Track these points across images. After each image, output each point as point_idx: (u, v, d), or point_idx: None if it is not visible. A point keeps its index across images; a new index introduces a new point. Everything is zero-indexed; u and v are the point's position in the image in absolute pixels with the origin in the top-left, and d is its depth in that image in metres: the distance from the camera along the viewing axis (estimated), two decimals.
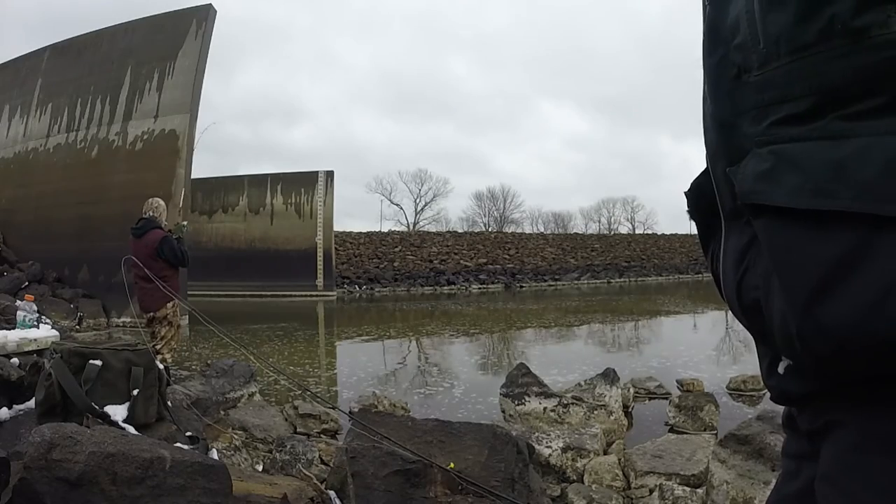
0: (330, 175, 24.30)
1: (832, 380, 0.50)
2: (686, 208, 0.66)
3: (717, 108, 0.58)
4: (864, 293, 0.43)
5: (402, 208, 52.68)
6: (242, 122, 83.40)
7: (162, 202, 4.87)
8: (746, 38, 0.53)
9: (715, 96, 0.58)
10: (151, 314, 4.57)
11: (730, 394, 5.82)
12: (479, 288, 28.36)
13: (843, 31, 0.45)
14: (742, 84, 0.54)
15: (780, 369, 0.54)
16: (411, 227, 47.59)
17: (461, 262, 30.69)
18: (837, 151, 0.46)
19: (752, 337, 0.59)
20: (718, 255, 0.60)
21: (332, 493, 2.24)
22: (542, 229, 51.74)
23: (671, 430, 4.50)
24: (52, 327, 3.61)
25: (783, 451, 0.67)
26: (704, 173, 0.62)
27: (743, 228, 0.55)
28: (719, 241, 0.60)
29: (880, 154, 0.44)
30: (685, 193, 0.65)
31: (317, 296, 22.56)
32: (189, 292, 6.10)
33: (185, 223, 5.25)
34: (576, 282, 31.35)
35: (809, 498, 0.55)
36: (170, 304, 4.56)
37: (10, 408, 2.45)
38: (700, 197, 0.63)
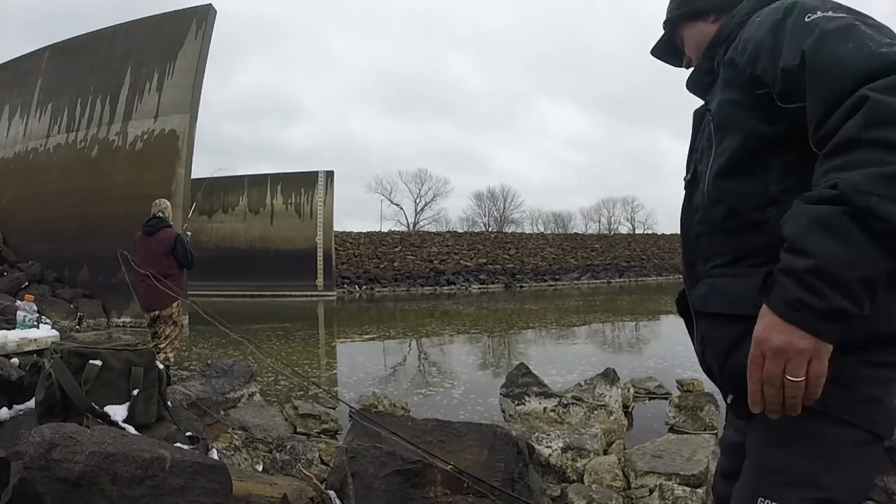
0: (330, 175, 24.31)
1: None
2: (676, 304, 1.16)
3: (685, 253, 1.11)
4: (746, 354, 0.84)
5: (402, 208, 52.69)
6: (241, 121, 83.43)
7: (169, 203, 4.99)
8: (703, 216, 1.04)
9: (684, 246, 1.11)
10: (156, 312, 4.58)
11: None
12: (479, 288, 28.36)
13: (750, 224, 0.94)
14: (699, 242, 1.06)
15: (728, 400, 1.03)
16: (411, 227, 47.57)
17: (461, 262, 30.68)
18: (739, 283, 0.95)
19: None
20: (693, 337, 1.10)
21: (332, 493, 2.24)
22: (542, 229, 51.74)
23: (671, 430, 4.49)
24: (52, 327, 3.60)
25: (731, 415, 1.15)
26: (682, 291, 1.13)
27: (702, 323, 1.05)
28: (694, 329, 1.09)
29: (755, 282, 0.86)
30: (675, 301, 1.15)
31: (317, 296, 22.56)
32: (189, 292, 6.11)
33: (188, 232, 5.56)
34: (576, 282, 31.34)
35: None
36: (175, 304, 4.58)
37: (10, 408, 2.44)
38: (683, 304, 1.11)
